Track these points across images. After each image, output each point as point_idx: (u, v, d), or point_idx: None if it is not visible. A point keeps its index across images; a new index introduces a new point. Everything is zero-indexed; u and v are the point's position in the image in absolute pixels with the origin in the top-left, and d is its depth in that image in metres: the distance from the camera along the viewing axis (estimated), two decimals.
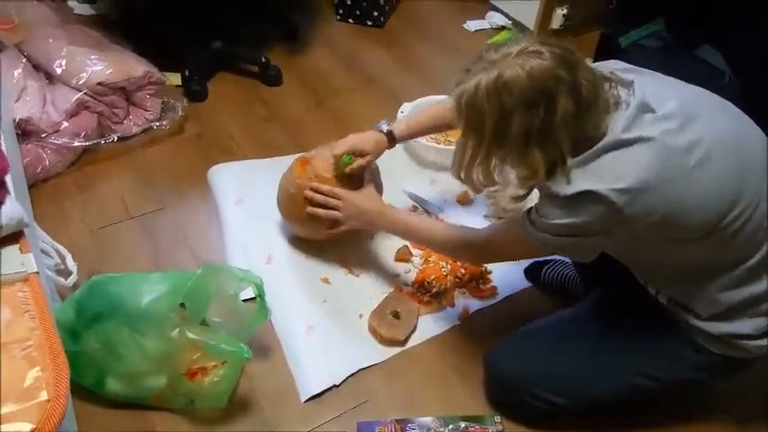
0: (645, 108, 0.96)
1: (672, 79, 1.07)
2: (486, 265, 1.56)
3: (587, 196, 0.94)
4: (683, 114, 0.97)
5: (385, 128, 1.44)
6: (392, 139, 1.44)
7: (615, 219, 0.95)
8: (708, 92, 1.07)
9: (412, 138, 1.52)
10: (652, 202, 0.94)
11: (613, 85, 1.00)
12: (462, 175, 1.06)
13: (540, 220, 1.02)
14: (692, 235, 0.99)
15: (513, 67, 0.92)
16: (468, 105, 0.96)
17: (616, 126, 0.95)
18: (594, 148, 0.95)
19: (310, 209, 1.43)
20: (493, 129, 0.95)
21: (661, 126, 0.95)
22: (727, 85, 1.82)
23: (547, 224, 1.01)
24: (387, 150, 1.47)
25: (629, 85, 1.00)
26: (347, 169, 1.41)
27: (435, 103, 1.43)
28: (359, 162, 1.42)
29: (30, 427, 0.65)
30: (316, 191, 1.42)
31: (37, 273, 0.84)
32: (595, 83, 0.96)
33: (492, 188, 1.06)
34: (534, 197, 1.07)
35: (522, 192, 1.07)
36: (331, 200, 1.41)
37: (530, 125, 0.94)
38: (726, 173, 0.97)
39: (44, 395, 0.69)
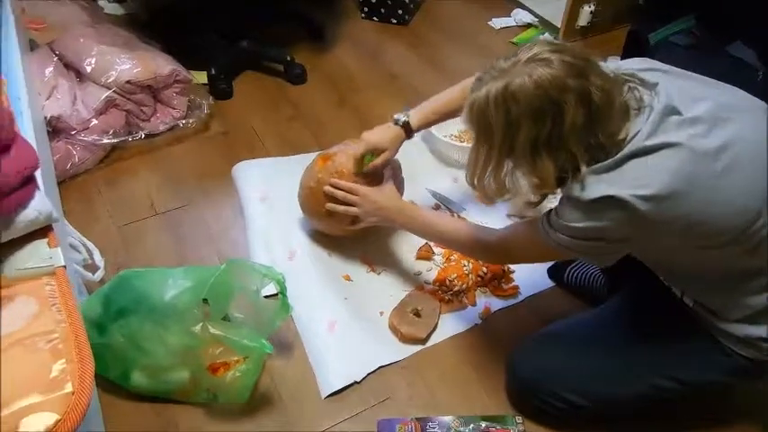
0: (670, 111, 0.94)
1: (702, 78, 1.04)
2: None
3: (609, 201, 0.92)
4: (712, 117, 0.94)
5: (402, 120, 1.43)
6: (409, 131, 1.43)
7: (637, 225, 0.94)
8: (739, 91, 1.04)
9: (429, 126, 1.49)
10: (676, 209, 0.92)
11: (633, 87, 0.98)
12: (475, 182, 1.05)
13: (560, 223, 1.00)
14: (718, 242, 0.96)
15: (520, 75, 0.91)
16: (478, 114, 0.96)
17: (640, 132, 0.93)
18: (619, 154, 0.93)
19: (329, 205, 1.44)
20: (502, 138, 0.95)
21: (687, 130, 0.92)
22: (760, 82, 1.77)
23: (566, 227, 0.99)
24: (407, 145, 1.47)
25: (652, 86, 0.97)
26: (365, 168, 1.42)
27: (449, 89, 1.42)
28: (377, 160, 1.42)
29: (55, 417, 0.67)
30: (335, 186, 1.43)
31: (64, 267, 0.85)
32: (609, 90, 0.93)
33: (505, 196, 1.05)
34: (554, 199, 1.05)
35: (534, 199, 1.05)
36: (350, 196, 1.41)
37: (538, 134, 0.92)
38: (754, 179, 0.94)
39: (69, 387, 0.70)
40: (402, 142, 1.45)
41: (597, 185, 0.94)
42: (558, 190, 1.02)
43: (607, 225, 0.95)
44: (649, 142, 0.92)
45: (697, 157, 0.92)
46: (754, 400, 1.31)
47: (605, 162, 0.94)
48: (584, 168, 0.94)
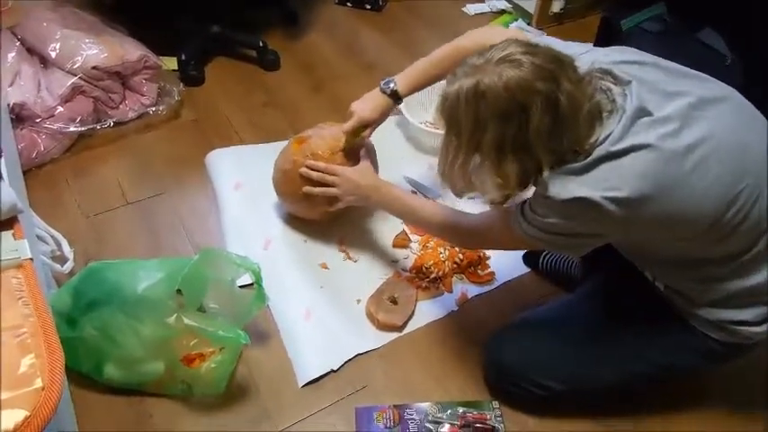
0: (641, 113, 0.94)
1: (677, 69, 1.04)
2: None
3: (581, 202, 0.93)
4: (683, 115, 0.95)
5: (390, 87, 1.40)
6: (397, 98, 1.42)
7: (608, 224, 0.95)
8: (713, 81, 1.04)
9: (419, 90, 1.46)
10: (648, 210, 0.93)
11: (606, 88, 0.97)
12: (444, 174, 1.05)
13: (533, 216, 1.01)
14: (689, 234, 0.98)
15: (491, 75, 0.91)
16: (449, 109, 0.97)
17: (611, 135, 0.93)
18: (591, 157, 0.93)
19: (307, 188, 1.43)
20: (469, 135, 0.95)
21: (658, 130, 0.93)
22: (727, 68, 1.80)
23: (538, 221, 1.00)
24: (383, 132, 1.46)
25: (626, 84, 0.97)
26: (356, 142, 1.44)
27: (435, 52, 1.39)
28: (366, 132, 1.43)
29: (24, 414, 0.65)
30: (311, 168, 1.42)
31: (31, 259, 0.82)
32: (578, 98, 0.92)
33: (471, 192, 1.06)
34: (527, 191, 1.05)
35: (497, 199, 1.04)
36: (327, 176, 1.40)
37: (504, 135, 0.93)
38: (724, 172, 0.95)
39: (38, 382, 0.68)
40: (391, 111, 1.44)
41: (569, 186, 0.94)
42: (527, 191, 1.02)
43: (578, 224, 0.97)
44: (620, 145, 0.92)
45: (666, 158, 0.92)
46: (727, 380, 1.34)
47: (577, 164, 0.94)
48: (546, 173, 0.95)
